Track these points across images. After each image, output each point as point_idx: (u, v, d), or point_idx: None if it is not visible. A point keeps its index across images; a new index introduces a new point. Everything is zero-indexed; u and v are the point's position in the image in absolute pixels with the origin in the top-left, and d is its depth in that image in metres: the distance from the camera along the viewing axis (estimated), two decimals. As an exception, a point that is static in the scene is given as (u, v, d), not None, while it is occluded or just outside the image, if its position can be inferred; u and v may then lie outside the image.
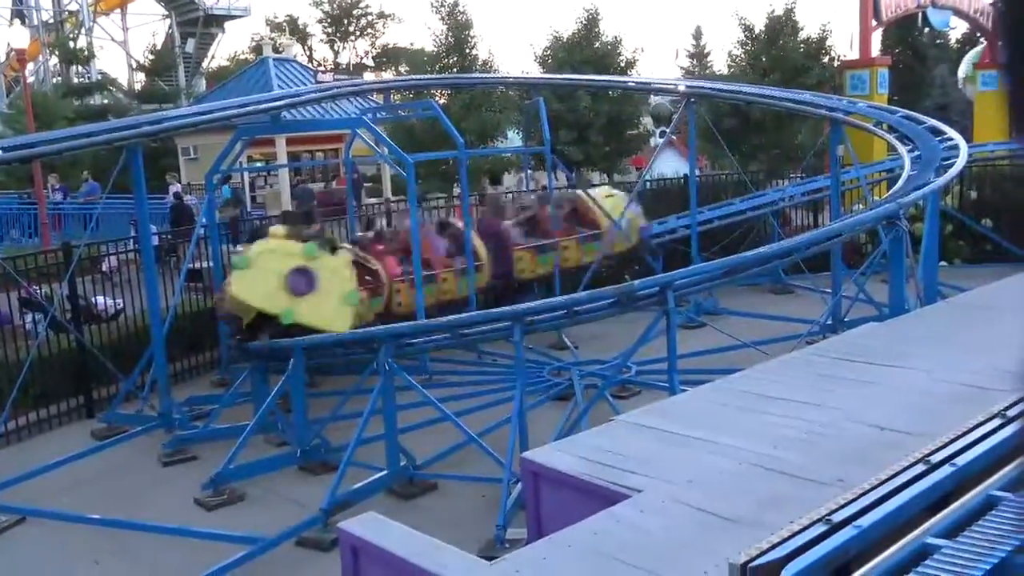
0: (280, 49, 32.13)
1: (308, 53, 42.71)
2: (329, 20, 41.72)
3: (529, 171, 17.68)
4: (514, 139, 27.13)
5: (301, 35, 42.90)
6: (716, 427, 4.74)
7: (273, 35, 41.29)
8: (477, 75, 21.72)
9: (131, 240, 14.89)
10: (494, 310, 8.57)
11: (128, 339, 11.98)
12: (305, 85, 23.50)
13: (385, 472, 8.42)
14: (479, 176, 22.94)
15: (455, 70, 23.20)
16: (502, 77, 21.77)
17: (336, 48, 42.81)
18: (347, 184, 16.74)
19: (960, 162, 10.31)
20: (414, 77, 22.42)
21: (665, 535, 3.59)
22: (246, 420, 9.60)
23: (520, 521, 6.79)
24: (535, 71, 24.86)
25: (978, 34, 27.93)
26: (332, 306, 10.49)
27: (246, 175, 25.59)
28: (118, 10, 48.81)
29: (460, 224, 13.30)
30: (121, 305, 12.94)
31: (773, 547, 3.27)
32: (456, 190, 21.53)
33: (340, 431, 9.40)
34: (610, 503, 3.98)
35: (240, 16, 49.80)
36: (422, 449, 8.98)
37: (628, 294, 7.82)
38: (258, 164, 26.56)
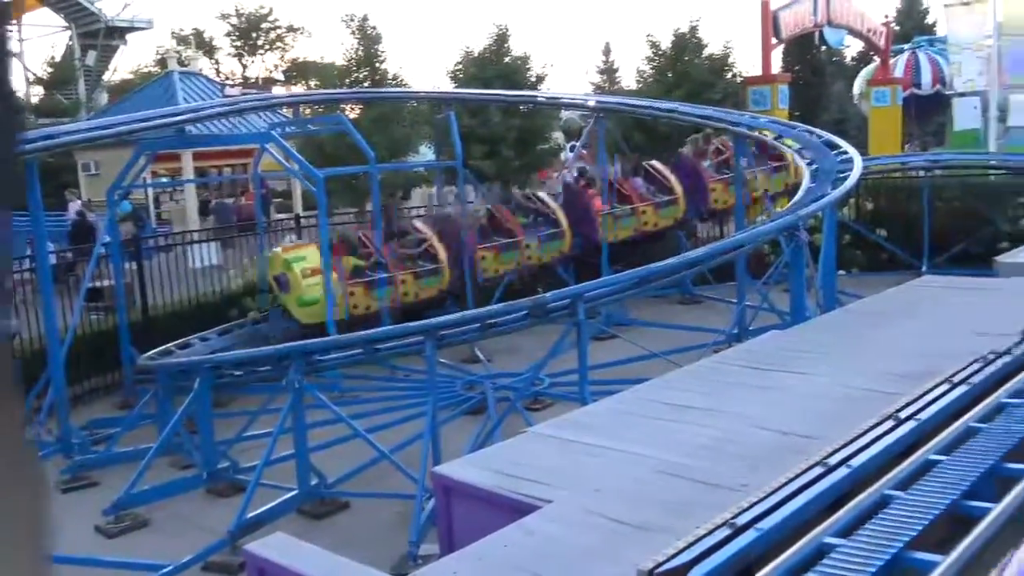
0: (186, 62, 31.39)
1: (215, 67, 41.88)
2: (237, 33, 40.99)
3: (441, 185, 17.68)
4: (426, 154, 27.09)
5: (208, 48, 42.04)
6: (625, 436, 4.81)
7: (179, 48, 40.35)
8: (388, 89, 21.62)
9: (27, 259, 14.31)
10: (406, 324, 8.54)
11: (23, 362, 11.49)
12: (212, 99, 23.03)
13: (295, 492, 8.27)
14: (392, 191, 22.78)
15: (365, 84, 23.04)
16: (413, 92, 21.74)
17: (244, 62, 42.09)
18: (255, 199, 16.44)
19: (855, 175, 10.72)
20: (323, 91, 22.16)
21: (575, 545, 3.62)
22: (150, 443, 9.32)
23: (434, 537, 6.75)
24: (446, 86, 24.90)
25: (871, 52, 29.15)
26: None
27: (151, 191, 24.90)
28: (14, 22, 47.02)
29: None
30: (16, 327, 12.42)
31: (679, 552, 3.33)
32: (369, 205, 21.34)
33: (249, 451, 9.20)
34: (521, 515, 3.98)
35: (143, 28, 48.46)
36: (334, 467, 8.85)
37: (540, 306, 7.88)
38: (163, 179, 25.88)
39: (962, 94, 26.00)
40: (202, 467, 9.05)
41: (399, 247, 13.98)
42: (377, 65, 23.88)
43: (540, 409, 10.56)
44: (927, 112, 30.42)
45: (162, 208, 26.31)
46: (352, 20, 23.70)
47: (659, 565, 3.26)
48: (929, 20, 39.99)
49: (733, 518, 3.55)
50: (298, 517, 8.19)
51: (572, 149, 22.18)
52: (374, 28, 23.85)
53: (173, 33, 45.73)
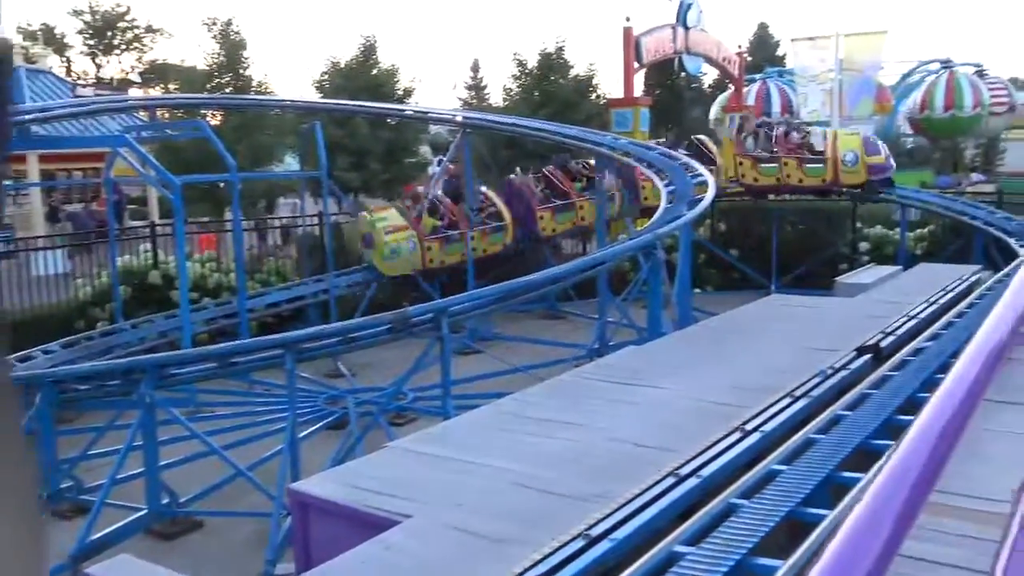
0: (33, 59, 29.69)
1: (66, 65, 39.82)
2: (91, 31, 39.12)
3: (305, 196, 17.36)
4: (291, 163, 26.55)
5: (58, 46, 39.91)
6: (486, 450, 4.84)
7: (25, 44, 38.14)
8: (251, 97, 21.09)
9: None
10: (265, 337, 8.32)
11: None
12: (62, 99, 21.86)
13: (144, 511, 7.91)
14: (255, 200, 22.20)
15: (228, 90, 22.40)
16: (278, 100, 21.28)
17: (99, 61, 40.21)
18: (108, 206, 15.70)
19: (709, 196, 11.18)
20: (183, 96, 21.40)
21: (433, 559, 3.61)
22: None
23: (292, 556, 6.59)
24: (312, 96, 24.50)
25: (726, 80, 30.50)
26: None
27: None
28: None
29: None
30: None
31: (535, 564, 3.38)
32: (229, 214, 20.74)
33: (96, 470, 8.74)
34: (380, 531, 3.95)
35: (-15, 21, 45.63)
36: (187, 485, 8.52)
37: (403, 320, 7.84)
38: (5, 182, 24.33)
39: (808, 123, 27.55)
40: (43, 487, 8.52)
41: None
42: (241, 71, 23.28)
43: (403, 424, 10.49)
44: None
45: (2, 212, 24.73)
46: (215, 24, 23.03)
47: (516, 577, 3.30)
48: (780, 52, 42.19)
49: (588, 529, 3.64)
50: (147, 538, 7.82)
51: (439, 163, 22.20)
52: (238, 33, 23.25)
53: (19, 28, 43.20)
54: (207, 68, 23.70)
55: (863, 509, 0.78)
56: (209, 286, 15.20)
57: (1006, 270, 10.41)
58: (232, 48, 23.05)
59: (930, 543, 3.06)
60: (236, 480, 8.35)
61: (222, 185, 19.68)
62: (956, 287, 9.69)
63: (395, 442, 5.40)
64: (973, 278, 10.54)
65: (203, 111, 20.08)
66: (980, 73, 32.39)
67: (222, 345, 8.47)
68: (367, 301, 14.49)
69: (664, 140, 19.22)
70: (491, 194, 16.72)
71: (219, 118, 22.52)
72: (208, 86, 22.86)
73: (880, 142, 17.81)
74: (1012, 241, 13.66)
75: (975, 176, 32.44)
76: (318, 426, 10.45)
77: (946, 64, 32.01)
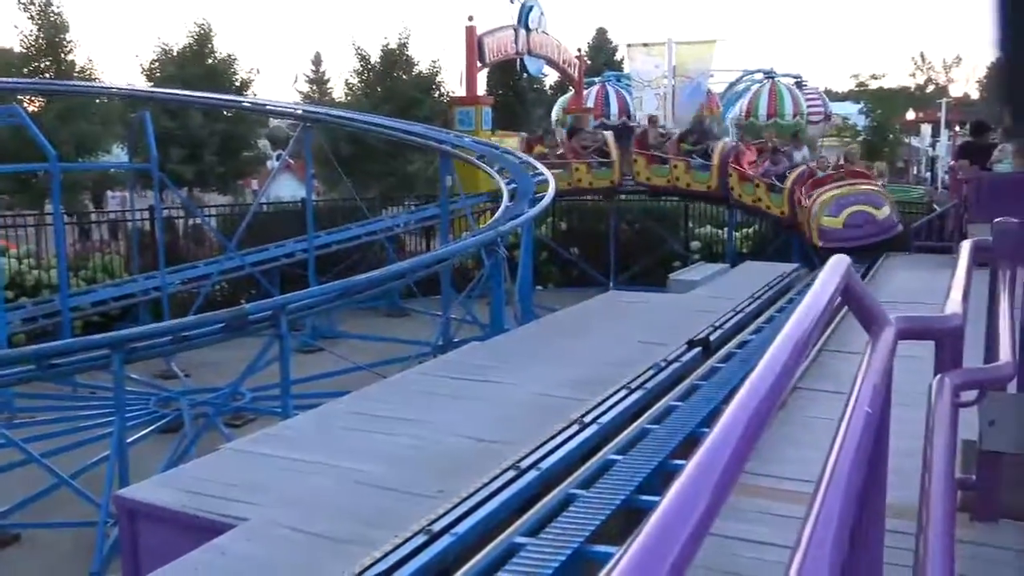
0: None
1: None
2: None
3: (134, 189, 16.54)
4: (120, 155, 25.21)
5: None
6: (324, 449, 4.77)
7: None
8: (74, 83, 19.85)
9: None
10: (89, 337, 7.87)
11: None
12: None
13: (-49, 527, 7.34)
14: (80, 193, 20.98)
15: (48, 75, 21.01)
16: (104, 87, 20.14)
17: None
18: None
19: (549, 194, 11.42)
20: (-5, 79, 19.91)
21: (271, 562, 3.53)
22: None
23: (120, 567, 6.27)
24: (141, 84, 23.34)
25: (567, 82, 31.20)
26: None
27: None
28: None
29: None
30: None
31: (376, 562, 3.36)
32: (49, 207, 19.48)
33: None
34: (215, 536, 3.82)
35: None
36: (3, 497, 7.95)
37: (239, 318, 7.60)
38: None
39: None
40: None
41: (579, 143, 18.28)
42: (63, 55, 21.89)
43: (241, 425, 10.17)
44: (616, 140, 33.11)
45: None
46: (31, 4, 21.54)
47: (356, 576, 3.27)
48: (618, 57, 43.56)
49: (429, 525, 3.65)
50: (-46, 556, 7.26)
51: (279, 158, 21.65)
52: (58, 15, 21.85)
53: None
54: (23, 51, 22.16)
55: (676, 491, 0.83)
56: (27, 284, 14.25)
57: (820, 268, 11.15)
58: (52, 30, 21.64)
59: (744, 522, 3.26)
60: (60, 490, 7.87)
61: (38, 176, 18.50)
62: (777, 283, 10.32)
63: (230, 444, 5.24)
64: (793, 275, 11.26)
65: (19, 96, 18.78)
66: (799, 83, 34.55)
67: (41, 346, 7.93)
68: (203, 298, 13.95)
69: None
70: (605, 133, 18.44)
71: (38, 104, 21.12)
72: (25, 70, 21.37)
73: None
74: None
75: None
76: (149, 430, 9.98)
77: (769, 74, 33.96)
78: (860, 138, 37.57)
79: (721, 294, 9.71)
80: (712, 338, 7.18)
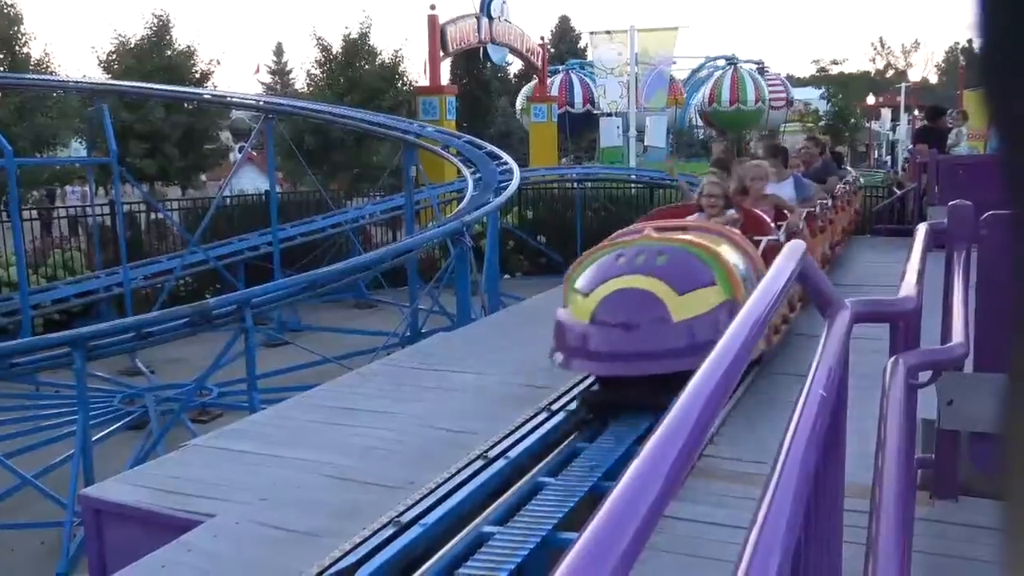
0: None
1: None
2: None
3: (93, 184, 16.30)
4: (78, 149, 24.83)
5: None
6: (293, 443, 4.75)
7: None
8: (29, 76, 19.48)
9: None
10: (49, 335, 7.77)
11: None
12: None
13: (-88, 531, 7.21)
14: (39, 188, 20.63)
15: (2, 69, 20.61)
16: (60, 80, 19.76)
17: None
18: None
19: (513, 184, 11.41)
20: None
21: (239, 558, 3.51)
22: None
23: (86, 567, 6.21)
24: (99, 76, 22.97)
25: (531, 71, 31.20)
26: None
27: None
28: None
29: None
30: None
31: (345, 555, 3.36)
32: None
33: None
34: (182, 532, 3.79)
35: None
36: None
37: (202, 313, 7.54)
38: None
39: (608, 114, 28.64)
40: None
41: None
42: (17, 48, 21.49)
43: (208, 421, 10.08)
44: (579, 129, 33.23)
45: None
46: (-15, -4, 21.13)
47: (325, 570, 3.26)
48: (581, 44, 43.60)
49: (398, 516, 3.65)
50: (-84, 560, 7.14)
51: (241, 151, 21.44)
52: (12, 6, 21.44)
53: None
54: (-24, 44, 21.72)
55: (631, 474, 0.84)
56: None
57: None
58: (6, 22, 21.23)
59: (706, 505, 3.30)
60: (23, 490, 7.76)
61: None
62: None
63: (197, 439, 5.20)
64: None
65: (-28, 91, 18.43)
66: (761, 70, 34.81)
67: (1, 344, 7.82)
68: (166, 294, 13.81)
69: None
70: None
71: (-8, 99, 20.71)
72: (-22, 63, 20.95)
73: None
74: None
75: None
76: (114, 427, 9.87)
77: (731, 61, 34.19)
78: (822, 123, 37.95)
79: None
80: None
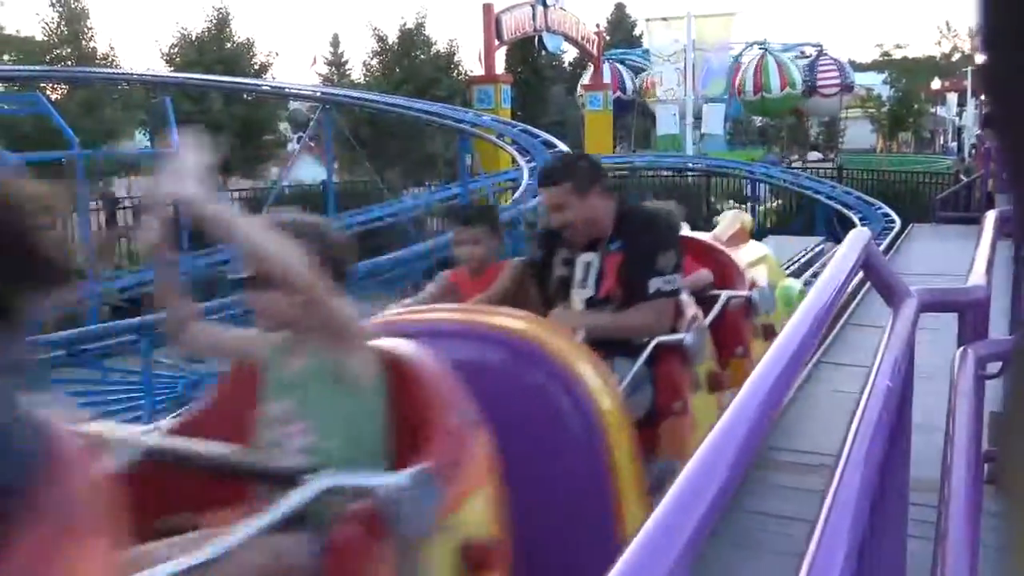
0: None
1: None
2: (-91, -3, 36.08)
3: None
4: (142, 140, 25.41)
5: None
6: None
7: None
8: (95, 70, 19.99)
9: None
10: (117, 322, 7.97)
11: None
12: None
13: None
14: (106, 179, 21.16)
15: (70, 63, 21.17)
16: (124, 73, 20.27)
17: (-80, 30, 37.17)
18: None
19: (571, 173, 11.36)
20: (16, 67, 20.08)
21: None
22: None
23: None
24: (162, 69, 23.46)
25: (586, 59, 31.04)
26: None
27: None
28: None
29: None
30: None
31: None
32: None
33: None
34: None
35: None
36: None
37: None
38: None
39: (664, 102, 28.37)
40: None
41: None
42: (84, 42, 22.06)
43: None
44: (623, 116, 32.82)
45: None
46: (52, -8, 21.71)
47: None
48: (636, 31, 43.22)
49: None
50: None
51: (299, 141, 21.71)
52: (79, 2, 22.00)
53: None
54: (45, 39, 22.34)
55: (693, 465, 0.84)
56: (54, 270, 14.42)
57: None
58: (73, 18, 21.79)
59: (766, 497, 3.26)
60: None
61: (63, 163, 18.67)
62: (802, 257, 10.26)
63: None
64: (817, 248, 11.17)
65: (42, 84, 18.94)
66: (820, 53, 33.88)
67: (71, 331, 8.06)
68: (227, 281, 14.11)
69: None
70: None
71: (60, 92, 21.29)
72: (47, 58, 21.54)
73: None
74: (851, 213, 14.52)
75: (812, 155, 33.99)
76: (178, 412, 10.09)
77: (762, 46, 32.67)
78: (884, 108, 37.07)
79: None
80: (735, 313, 7.14)
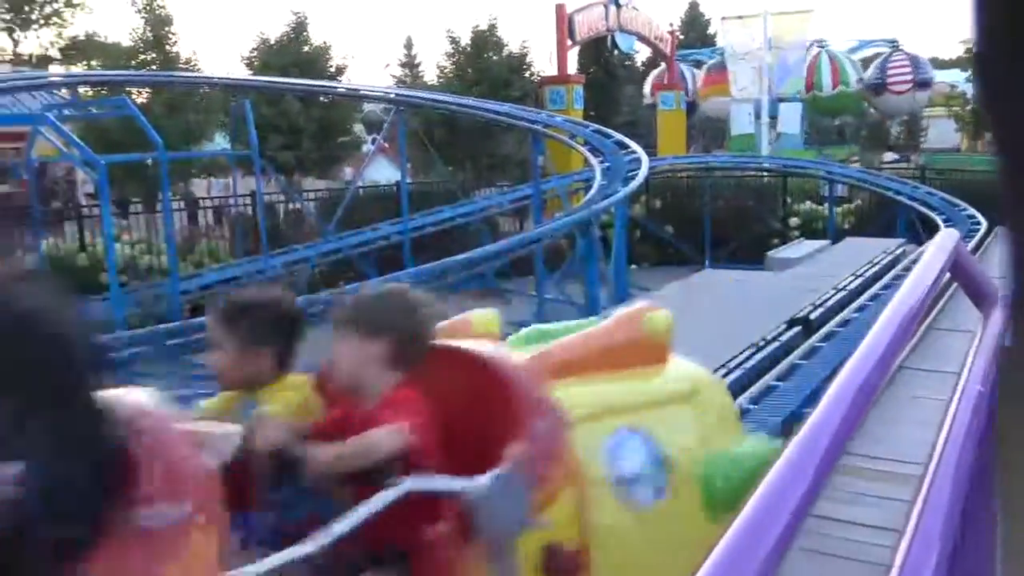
0: (-55, 35, 28.50)
1: (-19, 41, 38.26)
2: (7, 5, 37.63)
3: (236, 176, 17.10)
4: (222, 142, 26.06)
5: (-29, 21, 38.32)
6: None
7: (-64, 19, 36.56)
8: (178, 73, 20.57)
9: None
10: (201, 319, 8.18)
11: None
12: (-24, 76, 21.02)
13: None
14: (187, 180, 21.79)
15: (154, 67, 21.82)
16: (205, 77, 20.80)
17: (16, 37, 38.71)
18: (30, 187, 15.23)
19: (642, 174, 11.29)
20: (106, 72, 20.76)
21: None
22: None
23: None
24: (241, 73, 24.02)
25: (659, 58, 30.76)
26: None
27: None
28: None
29: None
30: None
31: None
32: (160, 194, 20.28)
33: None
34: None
35: None
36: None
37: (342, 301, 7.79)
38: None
39: (738, 101, 27.92)
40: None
41: None
42: (167, 47, 22.71)
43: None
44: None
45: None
46: (138, -1, 22.39)
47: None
48: (711, 31, 42.64)
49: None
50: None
51: (373, 142, 22.01)
52: (163, 8, 22.67)
53: (-70, 2, 41.35)
54: (131, 44, 23.07)
55: (775, 473, 0.82)
56: (140, 268, 14.90)
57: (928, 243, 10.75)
58: (157, 23, 22.46)
59: (846, 504, 3.18)
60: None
61: (152, 164, 19.27)
62: (882, 260, 10.00)
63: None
64: (898, 251, 10.88)
65: (128, 88, 19.56)
66: (896, 49, 32.81)
67: (157, 327, 8.32)
68: (303, 281, 14.35)
69: None
70: None
71: (145, 96, 21.95)
72: (133, 63, 22.24)
73: None
74: (935, 215, 14.09)
75: (888, 155, 32.95)
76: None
77: (820, 44, 31.77)
78: (968, 107, 35.87)
79: (822, 271, 9.47)
80: (813, 317, 7.02)
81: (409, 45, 49.29)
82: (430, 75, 31.28)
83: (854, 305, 7.73)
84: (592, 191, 11.29)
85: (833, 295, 7.92)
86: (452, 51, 24.24)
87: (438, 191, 19.17)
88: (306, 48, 24.52)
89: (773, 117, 26.25)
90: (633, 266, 15.82)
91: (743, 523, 0.79)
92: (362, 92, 18.28)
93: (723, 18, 30.01)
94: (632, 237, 16.78)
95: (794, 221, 18.40)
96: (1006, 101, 0.40)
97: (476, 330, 2.30)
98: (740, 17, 27.70)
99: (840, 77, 30.32)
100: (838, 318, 7.20)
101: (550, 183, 16.93)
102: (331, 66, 24.98)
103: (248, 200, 16.70)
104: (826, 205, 17.96)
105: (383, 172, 26.60)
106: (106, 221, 11.06)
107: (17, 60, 34.17)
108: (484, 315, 2.41)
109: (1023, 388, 0.49)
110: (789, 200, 18.86)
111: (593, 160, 12.55)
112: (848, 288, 8.31)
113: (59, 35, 39.06)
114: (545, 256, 13.78)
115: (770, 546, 0.76)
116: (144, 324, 11.25)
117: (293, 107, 22.37)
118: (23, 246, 14.32)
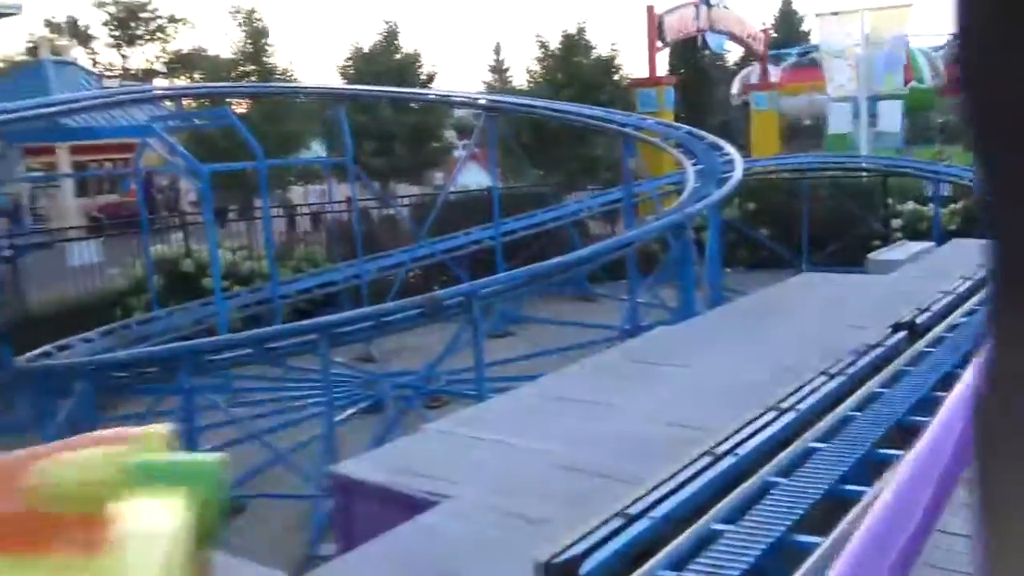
0: (59, 52, 29.96)
1: (92, 57, 40.18)
2: (115, 23, 39.40)
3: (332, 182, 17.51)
4: (318, 150, 26.73)
5: (84, 38, 40.26)
6: (522, 431, 4.90)
7: (51, 36, 38.49)
8: (276, 84, 21.21)
9: None
10: (300, 323, 8.44)
11: None
12: (89, 90, 22.08)
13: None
14: (283, 187, 22.44)
15: (253, 78, 22.55)
16: (302, 87, 21.38)
17: (123, 53, 40.50)
18: (138, 195, 15.94)
19: (736, 176, 11.13)
20: (207, 84, 21.55)
21: (471, 539, 3.68)
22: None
23: (334, 538, 6.71)
24: (336, 82, 24.60)
25: (751, 58, 30.23)
26: None
27: (27, 186, 23.73)
28: None
29: None
30: None
31: (574, 543, 3.43)
32: (259, 201, 20.94)
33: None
34: (420, 511, 4.03)
35: (11, 14, 45.99)
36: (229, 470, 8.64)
37: (434, 304, 7.92)
38: (36, 174, 24.67)
39: (835, 99, 27.17)
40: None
41: None
42: (265, 59, 23.44)
43: (438, 407, 10.57)
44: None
45: (37, 205, 25.11)
46: (239, 12, 23.19)
47: (555, 556, 3.35)
48: (804, 28, 41.68)
49: (626, 508, 3.69)
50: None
51: (464, 147, 22.25)
52: (261, 20, 23.41)
53: (47, 21, 43.52)
54: (232, 57, 23.89)
55: (898, 484, 0.83)
56: (241, 273, 15.40)
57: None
58: (256, 36, 23.20)
59: (965, 517, 3.09)
60: (275, 465, 8.50)
61: (251, 172, 19.89)
62: (989, 262, 9.59)
63: (433, 424, 5.48)
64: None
65: (229, 99, 20.25)
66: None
67: (258, 331, 8.60)
68: (398, 285, 14.59)
69: None
70: None
71: (245, 106, 22.69)
72: (233, 74, 23.03)
73: None
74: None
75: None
76: (353, 410, 10.57)
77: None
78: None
79: (927, 274, 9.16)
80: (919, 321, 6.79)
81: (498, 50, 49.45)
82: (519, 79, 31.43)
83: (963, 309, 7.45)
84: (685, 193, 11.19)
85: (940, 299, 7.65)
86: (542, 55, 24.32)
87: (529, 195, 19.26)
88: (397, 56, 24.96)
89: (872, 115, 25.47)
90: (727, 269, 15.59)
91: (866, 536, 0.79)
92: (453, 98, 18.51)
93: (818, 15, 29.27)
94: (726, 240, 16.54)
95: (896, 222, 17.83)
96: (991, 78, 0.40)
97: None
98: (836, 13, 26.97)
99: (914, 74, 29.32)
100: (945, 323, 6.96)
101: (641, 186, 16.83)
102: (422, 73, 25.37)
103: (344, 206, 17.10)
104: (930, 206, 17.34)
105: (474, 177, 26.84)
106: (210, 227, 11.48)
107: (125, 75, 35.74)
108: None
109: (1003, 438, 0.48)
110: (891, 201, 18.29)
111: (686, 162, 12.43)
112: (956, 291, 8.01)
113: (163, 50, 40.78)
114: (637, 260, 13.72)
115: (893, 558, 0.76)
116: (246, 327, 11.62)
117: (386, 114, 22.80)
118: (135, 252, 14.97)
